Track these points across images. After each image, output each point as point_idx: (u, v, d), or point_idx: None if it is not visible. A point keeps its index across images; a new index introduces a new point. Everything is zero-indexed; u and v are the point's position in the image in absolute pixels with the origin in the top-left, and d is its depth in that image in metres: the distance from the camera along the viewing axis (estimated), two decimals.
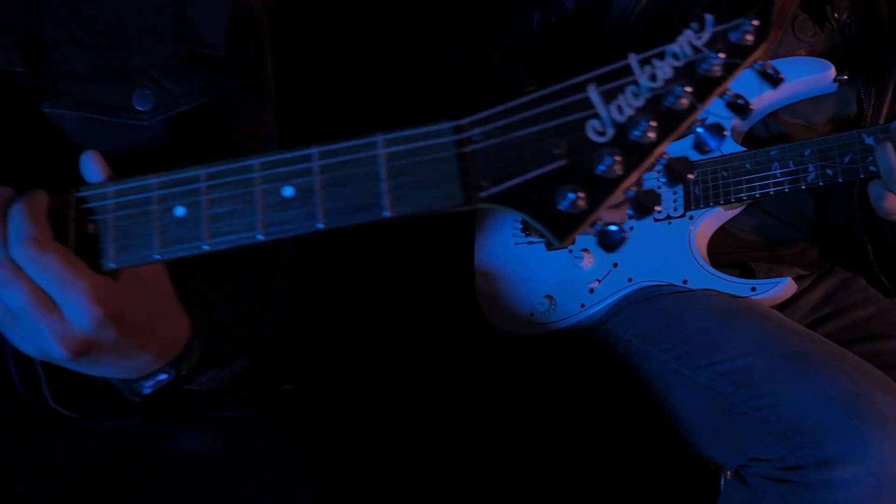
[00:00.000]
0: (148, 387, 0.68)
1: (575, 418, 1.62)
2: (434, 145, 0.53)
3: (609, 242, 0.57)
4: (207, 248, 0.57)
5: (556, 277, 1.37)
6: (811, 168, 1.12)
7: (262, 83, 0.96)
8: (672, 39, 0.65)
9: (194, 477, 0.80)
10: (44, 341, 0.58)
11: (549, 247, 0.53)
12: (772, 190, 1.18)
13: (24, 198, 0.61)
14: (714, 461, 1.16)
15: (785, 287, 1.17)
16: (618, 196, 0.57)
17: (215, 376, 0.83)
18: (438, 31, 1.67)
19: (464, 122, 0.54)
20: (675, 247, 1.21)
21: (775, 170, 1.14)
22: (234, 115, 0.91)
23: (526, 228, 1.40)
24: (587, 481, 1.62)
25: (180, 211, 0.58)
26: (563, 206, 0.54)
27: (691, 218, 1.25)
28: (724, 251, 1.31)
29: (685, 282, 1.19)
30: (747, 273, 1.29)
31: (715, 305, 1.11)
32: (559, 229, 0.54)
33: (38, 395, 0.80)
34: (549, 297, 1.35)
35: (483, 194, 0.53)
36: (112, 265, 0.59)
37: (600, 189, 0.54)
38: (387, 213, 0.54)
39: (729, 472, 1.27)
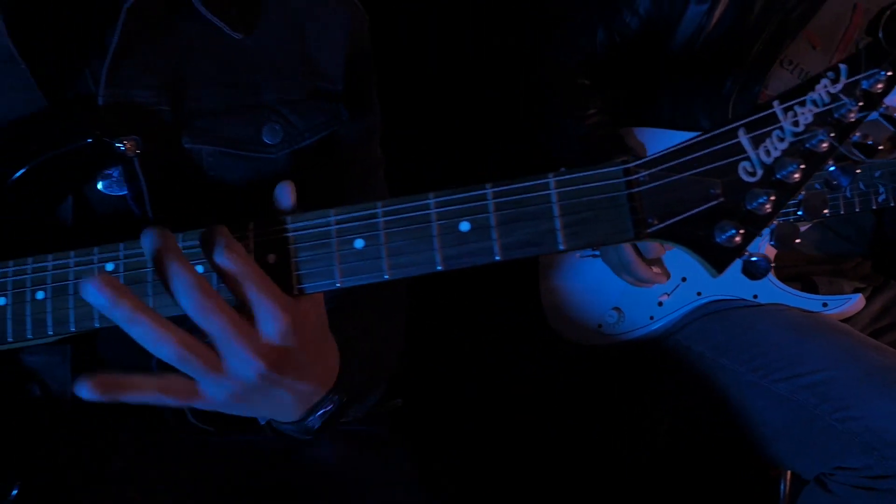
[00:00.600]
0: (318, 419, 0.72)
1: (627, 426, 1.67)
2: (605, 186, 0.59)
3: (756, 272, 0.62)
4: (387, 277, 0.62)
5: (622, 291, 1.42)
6: (881, 189, 1.18)
7: (371, 112, 1.01)
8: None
9: (326, 487, 0.85)
10: (238, 360, 0.61)
11: (713, 273, 0.58)
12: (843, 210, 1.22)
13: (212, 228, 0.64)
14: (791, 469, 1.21)
15: (856, 303, 1.22)
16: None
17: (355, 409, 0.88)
18: (497, 51, 1.71)
19: (632, 165, 0.59)
20: None
21: (846, 190, 1.20)
22: (348, 145, 0.96)
23: None
24: (639, 486, 1.66)
25: (359, 243, 0.63)
26: (720, 239, 0.59)
27: (761, 235, 1.30)
28: (786, 265, 1.36)
29: (755, 297, 1.25)
30: (809, 287, 1.34)
31: (789, 320, 1.16)
32: (718, 261, 0.59)
33: (179, 410, 0.86)
34: (617, 309, 1.40)
35: (650, 230, 0.59)
36: (295, 292, 0.63)
37: (753, 224, 0.60)
38: (561, 247, 0.59)
39: (788, 478, 1.32)
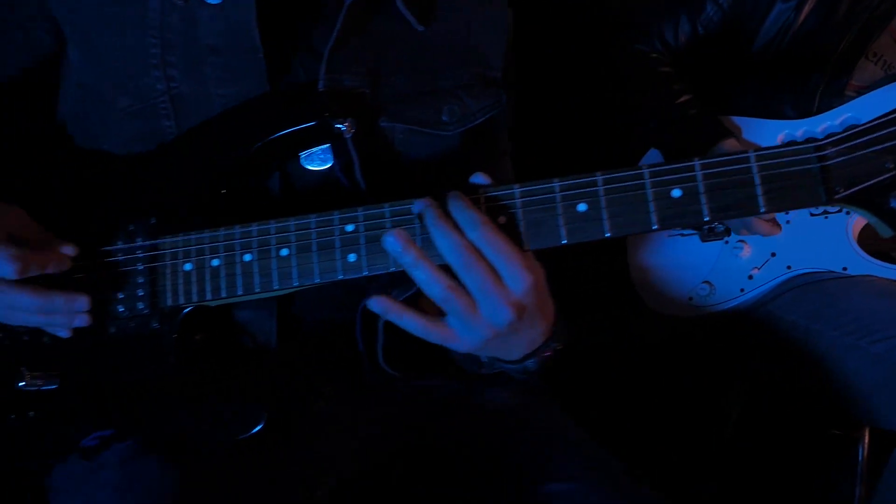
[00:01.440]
0: (535, 362, 0.84)
1: (699, 405, 1.76)
2: (801, 160, 0.70)
3: None
4: (609, 235, 0.73)
5: (711, 265, 1.52)
6: None
7: (510, 100, 1.14)
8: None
9: (501, 429, 0.97)
10: (495, 310, 0.72)
11: (887, 231, 0.69)
12: None
13: (455, 194, 0.75)
14: (886, 424, 1.29)
15: None
16: None
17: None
18: (581, 42, 1.80)
19: (823, 142, 0.70)
20: (833, 237, 1.38)
21: None
22: (495, 129, 1.08)
23: None
24: (709, 465, 1.75)
25: (582, 206, 0.74)
26: (894, 205, 0.70)
27: (848, 213, 1.40)
28: (867, 241, 1.46)
29: (845, 269, 1.36)
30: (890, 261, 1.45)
31: (880, 288, 1.28)
32: (893, 223, 0.70)
33: (373, 357, 0.97)
34: (707, 282, 1.51)
35: (837, 196, 0.70)
36: (525, 248, 0.75)
37: None
38: (762, 210, 0.70)
39: (866, 442, 1.43)
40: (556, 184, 0.75)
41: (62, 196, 0.92)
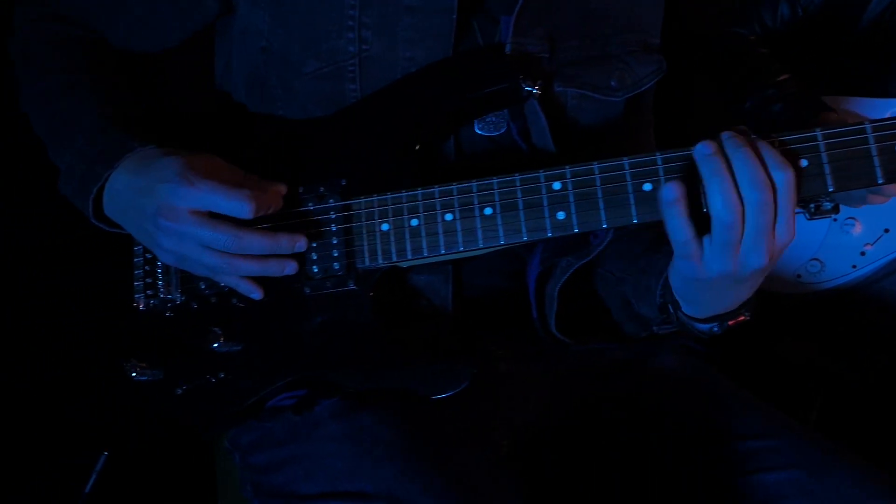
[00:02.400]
0: (721, 327, 0.84)
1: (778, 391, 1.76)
2: None
3: None
4: (831, 189, 0.75)
5: (819, 243, 1.53)
6: None
7: None
8: None
9: (678, 391, 0.97)
10: (755, 253, 0.72)
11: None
12: None
13: (763, 137, 0.75)
14: None
15: None
16: None
17: None
18: (679, 25, 1.81)
19: None
20: None
21: None
22: (651, 96, 1.09)
23: None
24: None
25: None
26: None
27: None
28: None
29: None
30: None
31: None
32: None
33: (547, 322, 0.98)
34: (817, 259, 1.52)
35: None
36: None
37: None
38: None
39: None
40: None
41: (244, 161, 0.90)
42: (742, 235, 0.73)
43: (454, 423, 0.87)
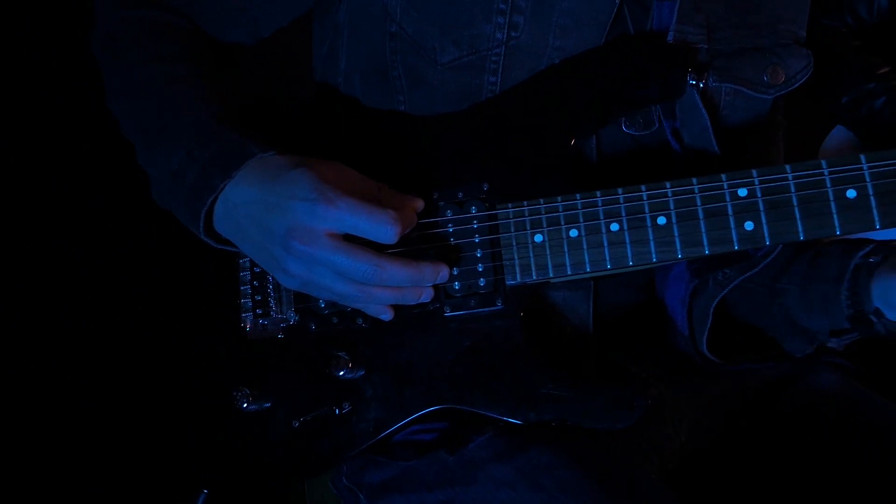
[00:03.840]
0: (843, 343, 0.79)
1: None
2: None
3: None
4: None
5: None
6: None
7: None
8: None
9: (834, 413, 0.88)
10: None
11: None
12: None
13: None
14: None
15: None
16: None
17: None
18: None
19: None
20: None
21: None
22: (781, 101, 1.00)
23: None
24: None
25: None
26: None
27: None
28: None
29: None
30: None
31: None
32: None
33: (697, 341, 0.89)
34: None
35: None
36: None
37: None
38: None
39: None
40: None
41: (364, 166, 0.79)
42: None
43: (619, 455, 0.78)
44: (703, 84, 0.79)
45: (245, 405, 0.82)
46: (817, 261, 0.84)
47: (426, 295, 0.76)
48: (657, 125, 0.86)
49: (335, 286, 0.72)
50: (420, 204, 0.77)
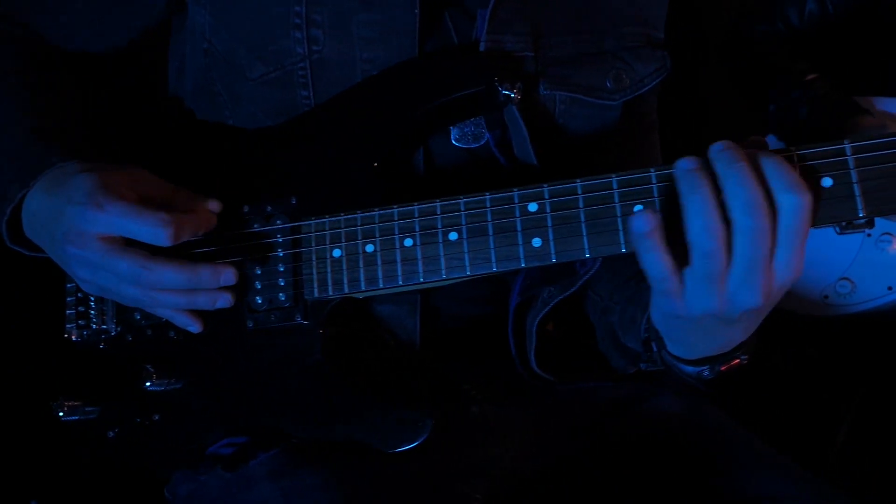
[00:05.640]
0: (713, 370, 0.71)
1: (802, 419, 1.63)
2: None
3: None
4: (862, 214, 0.61)
5: (851, 260, 1.39)
6: None
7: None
8: None
9: (673, 435, 0.84)
10: (746, 290, 0.59)
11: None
12: None
13: (769, 153, 0.62)
14: None
15: None
16: None
17: None
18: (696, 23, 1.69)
19: None
20: None
21: None
22: (653, 96, 0.97)
23: None
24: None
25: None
26: None
27: None
28: None
29: None
30: None
31: None
32: None
33: (525, 359, 0.86)
34: (847, 279, 1.38)
35: None
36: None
37: None
38: None
39: None
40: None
41: (185, 178, 0.80)
42: (729, 267, 0.59)
43: (418, 478, 0.76)
44: (517, 94, 0.77)
45: (62, 414, 0.83)
46: (640, 282, 0.80)
47: (222, 300, 0.75)
48: (486, 138, 0.83)
49: (120, 290, 0.73)
50: (215, 205, 0.76)
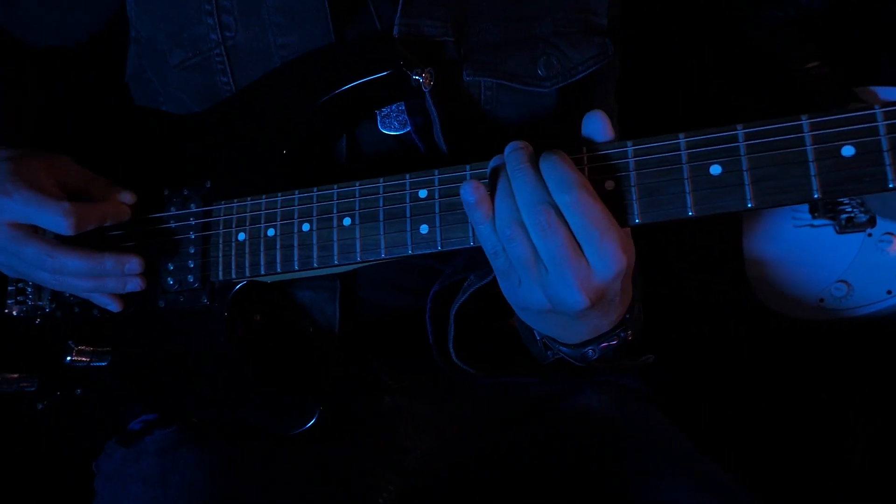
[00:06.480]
0: (598, 350, 0.69)
1: (821, 426, 1.54)
2: (864, 129, 0.52)
3: None
4: (752, 205, 0.57)
5: (850, 262, 1.31)
6: None
7: (618, 55, 0.99)
8: None
9: (595, 433, 0.81)
10: (563, 288, 0.59)
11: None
12: None
13: (552, 152, 0.62)
14: None
15: None
16: None
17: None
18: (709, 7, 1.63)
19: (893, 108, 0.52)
20: None
21: None
22: (604, 83, 0.93)
23: (814, 210, 1.35)
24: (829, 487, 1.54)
25: (716, 169, 0.58)
26: None
27: None
28: None
29: None
30: None
31: None
32: None
33: (444, 348, 0.84)
34: (844, 282, 1.30)
35: None
36: (637, 221, 0.60)
37: None
38: (816, 195, 0.53)
39: None
40: (683, 140, 0.59)
41: (110, 160, 0.84)
42: (537, 263, 0.59)
43: (320, 466, 0.75)
44: (428, 80, 0.74)
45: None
46: None
47: (132, 284, 0.77)
48: (409, 125, 0.83)
49: (31, 274, 0.76)
50: (128, 196, 0.78)
